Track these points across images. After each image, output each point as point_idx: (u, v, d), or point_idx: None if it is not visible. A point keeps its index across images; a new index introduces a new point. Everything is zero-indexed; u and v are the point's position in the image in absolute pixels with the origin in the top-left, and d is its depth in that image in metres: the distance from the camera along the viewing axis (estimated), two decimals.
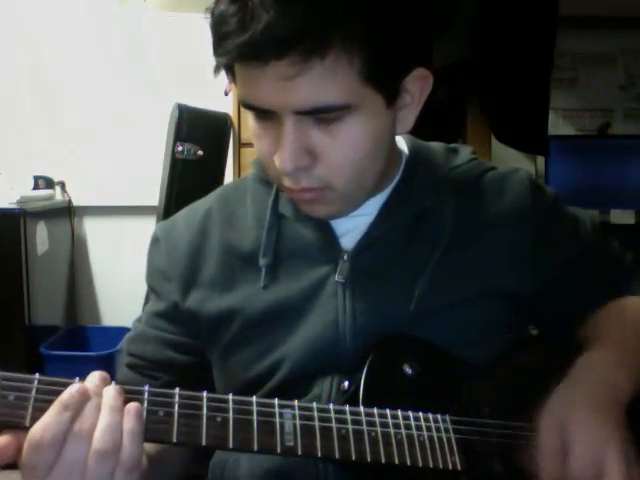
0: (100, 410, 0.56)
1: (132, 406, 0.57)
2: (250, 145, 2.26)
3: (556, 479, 0.66)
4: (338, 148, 0.68)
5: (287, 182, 0.71)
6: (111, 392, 0.57)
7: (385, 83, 0.68)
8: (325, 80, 0.63)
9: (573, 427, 0.67)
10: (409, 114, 0.74)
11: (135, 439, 0.56)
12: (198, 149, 2.30)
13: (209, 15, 0.67)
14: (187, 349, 0.84)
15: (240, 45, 0.62)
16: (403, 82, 0.71)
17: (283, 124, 0.67)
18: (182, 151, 2.28)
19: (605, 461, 0.65)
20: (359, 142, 0.69)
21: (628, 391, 0.72)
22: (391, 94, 0.70)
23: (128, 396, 0.58)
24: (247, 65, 0.64)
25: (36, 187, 2.71)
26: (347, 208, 0.77)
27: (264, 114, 0.68)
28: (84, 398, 0.56)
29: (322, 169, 0.69)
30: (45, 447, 0.53)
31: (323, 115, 0.66)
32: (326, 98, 0.65)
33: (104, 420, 0.55)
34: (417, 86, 0.73)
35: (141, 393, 0.59)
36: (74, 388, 0.56)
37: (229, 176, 2.41)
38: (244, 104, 0.70)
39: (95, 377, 0.58)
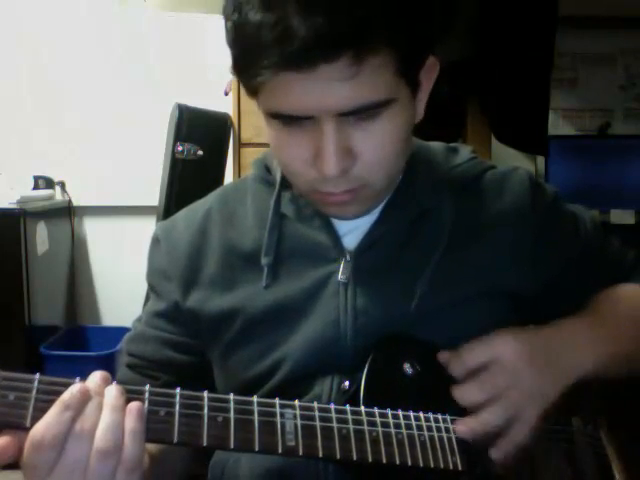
0: (101, 410, 0.56)
1: (134, 405, 0.57)
2: (250, 145, 2.28)
3: (461, 373, 0.71)
4: (376, 144, 0.68)
5: (326, 187, 0.70)
6: (112, 392, 0.57)
7: (412, 75, 0.69)
8: (372, 79, 0.63)
9: (505, 354, 0.70)
10: (420, 104, 0.75)
11: (137, 438, 0.56)
12: (198, 149, 2.30)
13: (230, 25, 0.64)
14: (187, 349, 0.84)
15: (289, 53, 0.60)
16: (420, 73, 0.72)
17: (323, 129, 0.66)
18: (182, 151, 2.28)
19: (498, 400, 0.68)
20: (395, 136, 0.69)
21: (587, 367, 0.74)
22: (415, 85, 0.71)
23: (129, 396, 0.58)
24: (293, 72, 0.62)
25: (36, 187, 2.71)
26: (375, 204, 0.78)
27: (296, 120, 0.67)
28: (85, 398, 0.56)
29: (361, 168, 0.69)
30: (46, 447, 0.53)
31: (365, 113, 0.66)
32: (371, 96, 0.64)
33: (105, 419, 0.55)
34: (427, 76, 0.74)
35: (142, 393, 0.58)
36: (75, 388, 0.56)
37: (229, 176, 2.41)
38: (275, 114, 0.67)
39: (96, 377, 0.58)
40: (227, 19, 0.65)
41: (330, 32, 0.59)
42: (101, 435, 0.54)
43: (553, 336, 0.75)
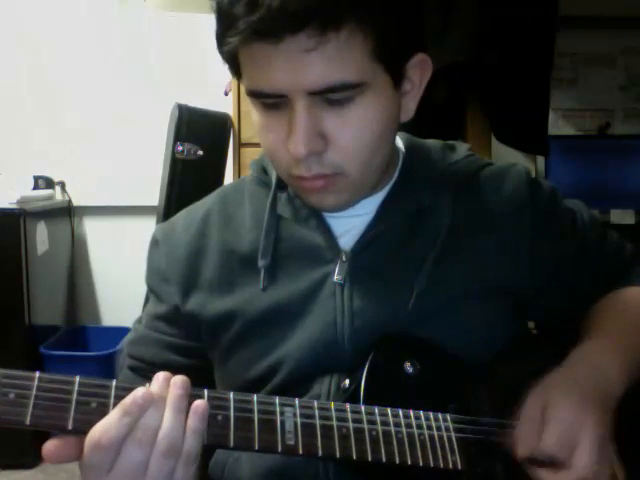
0: (164, 412, 0.57)
1: (199, 406, 0.58)
2: (250, 145, 2.28)
3: (528, 451, 0.68)
4: (350, 130, 0.68)
5: (299, 170, 0.71)
6: (177, 391, 0.58)
7: (393, 63, 0.69)
8: (339, 56, 0.64)
9: (554, 406, 0.69)
10: (411, 101, 0.75)
11: (197, 437, 0.57)
12: (198, 149, 2.30)
13: (214, 4, 0.66)
14: (187, 351, 0.84)
15: (254, 22, 0.61)
16: (406, 67, 0.71)
17: (294, 108, 0.66)
18: (182, 151, 2.28)
19: (577, 445, 0.67)
20: (370, 123, 0.69)
21: (620, 384, 0.73)
22: (397, 76, 0.71)
23: (126, 393, 0.57)
24: (260, 44, 0.63)
25: (36, 187, 2.71)
26: (354, 199, 0.77)
27: (273, 102, 0.68)
28: (147, 403, 0.56)
29: (334, 154, 0.69)
30: (102, 449, 0.54)
31: (336, 95, 0.66)
32: (340, 75, 0.65)
33: (168, 421, 0.56)
34: (418, 72, 0.74)
35: None
36: (138, 393, 0.57)
37: (229, 176, 2.41)
38: (253, 93, 0.69)
39: (160, 379, 0.59)
40: (213, 2, 0.67)
41: (294, 3, 0.60)
42: (163, 437, 0.56)
43: (584, 372, 0.73)
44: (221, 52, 0.69)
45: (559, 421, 0.68)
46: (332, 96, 0.66)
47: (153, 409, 0.57)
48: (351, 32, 0.63)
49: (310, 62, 0.63)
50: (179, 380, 0.59)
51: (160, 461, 0.56)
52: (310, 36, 0.62)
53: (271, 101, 0.68)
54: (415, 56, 0.72)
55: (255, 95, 0.69)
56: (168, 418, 0.57)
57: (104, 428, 0.55)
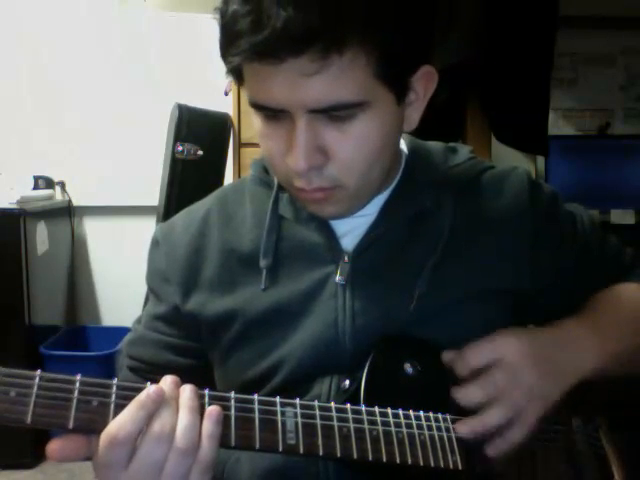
0: (177, 411, 0.58)
1: (213, 410, 0.58)
2: (250, 145, 2.28)
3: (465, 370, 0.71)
4: (351, 146, 0.68)
5: (298, 182, 0.71)
6: (188, 393, 0.59)
7: (396, 80, 0.69)
8: (342, 77, 0.63)
9: (508, 353, 0.70)
10: (415, 112, 0.75)
11: (213, 442, 0.58)
12: (198, 149, 2.31)
13: (218, 16, 0.66)
14: (187, 352, 0.84)
15: (257, 43, 0.61)
16: (411, 79, 0.71)
17: (295, 123, 0.66)
18: (182, 151, 2.28)
19: (519, 419, 0.69)
20: (371, 139, 0.69)
21: (590, 368, 0.74)
22: (401, 91, 0.70)
23: (131, 393, 0.58)
24: (262, 64, 0.63)
25: (36, 187, 2.72)
26: (355, 207, 0.77)
27: (274, 114, 0.68)
28: (160, 399, 0.57)
29: (334, 168, 0.69)
30: (119, 444, 0.55)
31: (337, 113, 0.66)
32: (342, 95, 0.64)
33: (184, 420, 0.57)
34: (422, 84, 0.73)
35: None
36: (151, 388, 0.57)
37: (229, 176, 2.41)
38: (254, 105, 0.69)
39: (167, 381, 0.60)
40: (217, 11, 0.67)
41: (297, 26, 0.60)
42: (181, 435, 0.56)
43: (555, 337, 0.75)
44: (225, 65, 0.69)
45: (504, 371, 0.69)
46: (334, 113, 0.66)
47: (167, 407, 0.57)
48: (354, 54, 0.63)
49: (312, 84, 0.63)
50: (188, 386, 0.60)
51: (178, 460, 0.56)
52: (313, 60, 0.61)
53: (272, 114, 0.68)
54: (420, 69, 0.72)
55: (257, 107, 0.69)
56: (183, 416, 0.57)
57: (120, 423, 0.55)
